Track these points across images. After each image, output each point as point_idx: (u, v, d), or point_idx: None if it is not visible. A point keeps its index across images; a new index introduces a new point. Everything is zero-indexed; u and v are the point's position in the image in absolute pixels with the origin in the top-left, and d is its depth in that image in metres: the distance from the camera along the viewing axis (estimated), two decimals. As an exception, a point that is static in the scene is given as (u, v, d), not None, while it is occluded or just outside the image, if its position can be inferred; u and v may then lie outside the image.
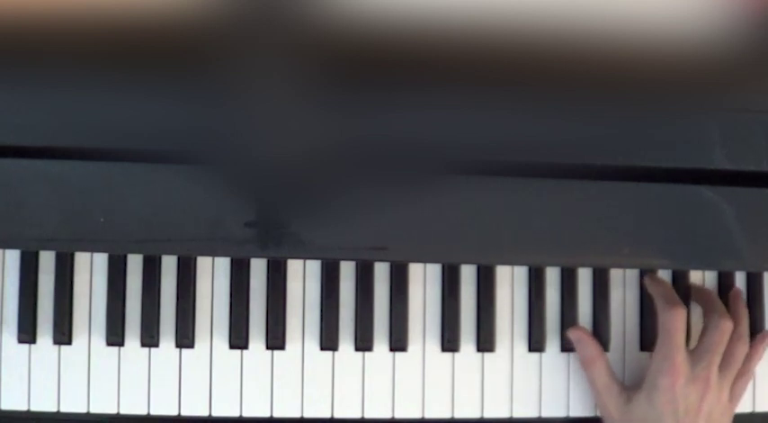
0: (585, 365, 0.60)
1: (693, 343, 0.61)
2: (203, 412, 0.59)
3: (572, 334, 0.61)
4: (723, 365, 0.59)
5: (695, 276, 0.64)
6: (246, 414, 0.60)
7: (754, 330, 0.63)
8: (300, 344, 0.60)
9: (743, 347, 0.60)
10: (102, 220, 0.50)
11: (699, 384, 0.57)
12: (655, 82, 0.51)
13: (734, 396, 0.59)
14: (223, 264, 0.60)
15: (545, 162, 0.52)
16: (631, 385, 0.60)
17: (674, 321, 0.58)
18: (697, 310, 0.63)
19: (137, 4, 0.47)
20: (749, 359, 0.60)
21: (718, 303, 0.61)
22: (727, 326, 0.59)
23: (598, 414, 0.62)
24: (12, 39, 0.48)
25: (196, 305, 0.60)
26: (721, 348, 0.58)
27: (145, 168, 0.51)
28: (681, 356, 0.57)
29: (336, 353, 0.60)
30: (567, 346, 0.62)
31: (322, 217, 0.52)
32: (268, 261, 0.60)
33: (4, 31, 0.47)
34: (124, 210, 0.51)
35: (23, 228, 0.51)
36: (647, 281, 0.62)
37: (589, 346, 0.60)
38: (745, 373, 0.60)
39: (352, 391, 0.60)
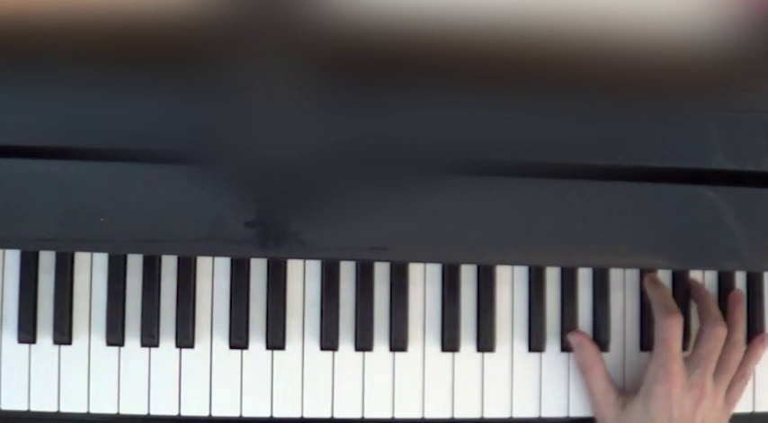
0: (583, 370, 0.60)
1: (692, 344, 0.61)
2: (203, 412, 0.59)
3: (573, 338, 0.61)
4: (717, 372, 0.59)
5: (695, 276, 0.64)
6: (246, 414, 0.60)
7: (755, 331, 0.63)
8: (300, 344, 0.60)
9: (736, 355, 0.60)
10: (102, 220, 0.50)
11: (694, 392, 0.57)
12: (655, 82, 0.51)
13: (730, 400, 0.60)
14: (223, 264, 0.60)
15: (545, 162, 0.52)
16: (628, 391, 0.60)
17: (670, 330, 0.58)
18: (695, 307, 0.63)
19: (137, 3, 0.47)
20: (746, 363, 0.61)
21: (714, 308, 0.61)
22: (720, 333, 0.59)
23: (598, 414, 0.62)
24: (12, 38, 0.48)
25: (196, 305, 0.60)
26: (715, 355, 0.59)
27: (145, 168, 0.51)
28: (677, 365, 0.57)
29: (336, 353, 0.60)
30: (566, 347, 0.62)
31: (322, 217, 0.52)
32: (268, 261, 0.60)
33: (5, 31, 0.47)
34: (124, 210, 0.51)
35: (23, 228, 0.51)
36: (646, 283, 0.62)
37: (589, 351, 0.60)
38: (741, 377, 0.60)
39: (352, 391, 0.60)
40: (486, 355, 0.61)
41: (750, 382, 0.62)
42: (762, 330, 0.63)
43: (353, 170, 0.51)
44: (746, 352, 0.61)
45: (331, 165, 0.51)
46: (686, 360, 0.59)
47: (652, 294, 0.61)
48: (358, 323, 0.60)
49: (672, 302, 0.60)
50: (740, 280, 0.64)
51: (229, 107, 0.49)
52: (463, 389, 0.61)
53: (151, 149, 0.50)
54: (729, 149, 0.52)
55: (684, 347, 0.61)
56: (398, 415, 0.60)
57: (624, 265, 0.61)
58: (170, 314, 0.59)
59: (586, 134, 0.52)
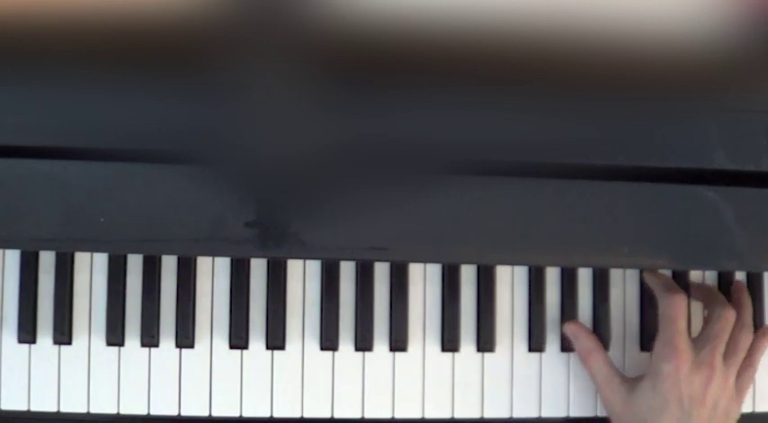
0: (583, 359, 0.60)
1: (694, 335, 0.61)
2: (203, 412, 0.59)
3: (567, 329, 0.61)
4: (728, 354, 0.58)
5: (695, 276, 0.64)
6: (246, 414, 0.60)
7: (755, 329, 0.63)
8: (300, 344, 0.60)
9: (747, 335, 0.59)
10: (102, 220, 0.50)
11: (703, 371, 0.56)
12: (655, 82, 0.51)
13: (740, 389, 0.59)
14: (223, 264, 0.60)
15: (545, 162, 0.52)
16: (633, 377, 0.59)
17: (674, 307, 0.57)
18: (695, 306, 0.63)
19: (137, 3, 0.47)
20: (752, 352, 0.60)
21: (719, 295, 0.61)
22: (729, 314, 0.58)
23: (598, 414, 0.62)
24: (12, 38, 0.48)
25: (196, 305, 0.60)
26: (725, 336, 0.58)
27: (145, 168, 0.50)
28: (684, 342, 0.56)
29: (336, 353, 0.60)
30: (566, 346, 0.62)
31: (322, 217, 0.52)
32: (268, 261, 0.60)
33: (5, 31, 0.47)
34: (124, 210, 0.51)
35: (23, 228, 0.51)
36: (646, 276, 0.61)
37: (585, 339, 0.60)
38: (749, 365, 0.59)
39: (352, 391, 0.60)
40: (486, 355, 0.61)
41: (753, 377, 0.61)
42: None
43: (353, 170, 0.51)
44: (751, 344, 0.60)
45: (331, 165, 0.51)
46: (694, 340, 0.58)
47: (653, 281, 0.60)
48: (358, 323, 0.60)
49: (674, 284, 0.60)
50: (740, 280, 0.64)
51: (229, 107, 0.49)
52: (463, 389, 0.61)
53: (151, 149, 0.50)
54: (729, 149, 0.52)
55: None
56: (398, 415, 0.60)
57: (624, 266, 0.61)
58: (170, 314, 0.59)
59: (586, 134, 0.52)
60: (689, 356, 0.56)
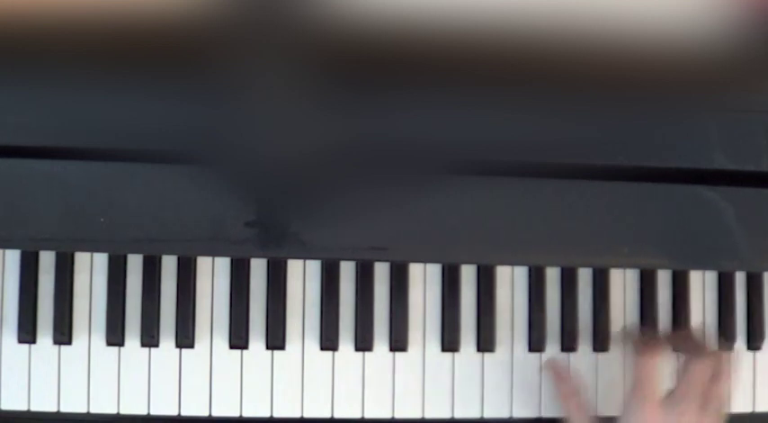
0: (561, 400, 0.59)
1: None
2: (203, 412, 0.59)
3: (547, 370, 0.61)
4: (702, 405, 0.55)
5: (695, 276, 0.64)
6: (246, 414, 0.60)
7: (754, 329, 0.63)
8: (300, 344, 0.60)
9: (722, 387, 0.56)
10: (102, 220, 0.50)
11: None
12: (655, 82, 0.51)
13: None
14: (223, 264, 0.60)
15: (545, 162, 0.52)
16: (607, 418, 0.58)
17: (642, 370, 0.56)
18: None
19: (137, 3, 0.47)
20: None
21: (696, 343, 0.59)
22: (698, 369, 0.56)
23: (598, 414, 0.62)
24: (12, 39, 0.48)
25: (196, 305, 0.60)
26: (696, 391, 0.55)
27: (145, 168, 0.51)
28: (650, 406, 0.54)
29: (336, 353, 0.60)
30: (567, 346, 0.62)
31: (322, 217, 0.52)
32: (268, 261, 0.60)
33: (5, 31, 0.47)
34: (124, 210, 0.51)
35: (23, 228, 0.51)
36: (619, 335, 0.61)
37: (563, 383, 0.59)
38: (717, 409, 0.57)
39: (352, 391, 0.60)
40: (486, 355, 0.61)
41: (750, 382, 0.62)
42: (762, 331, 0.63)
43: (353, 170, 0.51)
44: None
45: (331, 165, 0.51)
46: (667, 398, 0.55)
47: (625, 341, 0.60)
48: (358, 323, 0.60)
49: (647, 343, 0.58)
50: (740, 280, 0.64)
51: (229, 107, 0.49)
52: (463, 389, 0.61)
53: (151, 149, 0.50)
54: (729, 149, 0.52)
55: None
56: (398, 415, 0.60)
57: (624, 265, 0.61)
58: (170, 314, 0.59)
59: (586, 134, 0.52)
60: (656, 419, 0.54)
